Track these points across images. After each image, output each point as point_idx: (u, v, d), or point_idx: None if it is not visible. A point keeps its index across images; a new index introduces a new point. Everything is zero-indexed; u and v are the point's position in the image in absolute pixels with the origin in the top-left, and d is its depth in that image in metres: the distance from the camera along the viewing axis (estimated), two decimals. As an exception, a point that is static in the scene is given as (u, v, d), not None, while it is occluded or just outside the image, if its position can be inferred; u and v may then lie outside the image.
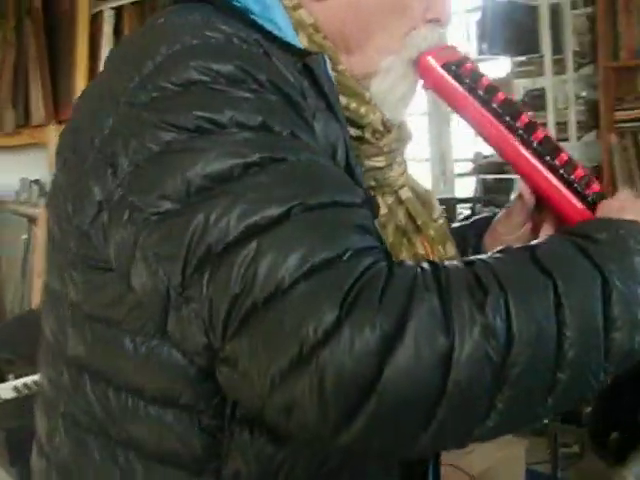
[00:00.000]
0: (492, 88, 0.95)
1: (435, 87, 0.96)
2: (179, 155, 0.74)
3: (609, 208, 0.87)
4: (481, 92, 0.94)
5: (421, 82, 0.97)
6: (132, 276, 0.76)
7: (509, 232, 1.02)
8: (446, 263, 0.73)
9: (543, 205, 0.98)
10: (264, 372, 0.68)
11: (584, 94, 3.86)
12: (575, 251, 0.74)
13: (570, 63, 3.78)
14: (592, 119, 3.65)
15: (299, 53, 0.84)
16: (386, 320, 0.66)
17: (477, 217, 1.17)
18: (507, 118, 0.94)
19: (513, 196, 1.08)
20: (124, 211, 0.75)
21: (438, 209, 1.02)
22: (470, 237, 1.10)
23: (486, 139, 0.96)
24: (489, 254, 0.76)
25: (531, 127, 0.95)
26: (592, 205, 0.93)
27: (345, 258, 0.69)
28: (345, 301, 0.67)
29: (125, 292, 0.79)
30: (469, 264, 0.73)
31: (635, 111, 3.63)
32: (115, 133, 0.78)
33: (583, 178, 0.95)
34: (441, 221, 1.01)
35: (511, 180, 3.79)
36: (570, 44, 3.78)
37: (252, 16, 0.85)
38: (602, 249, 0.74)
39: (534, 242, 0.80)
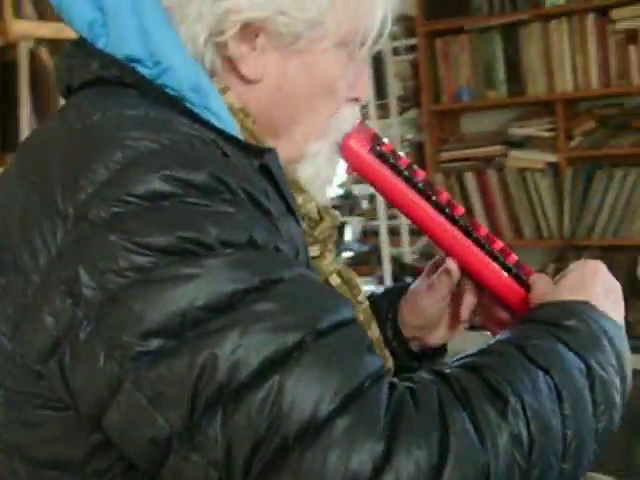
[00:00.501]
0: (411, 167, 0.98)
1: (361, 171, 0.97)
2: (164, 284, 0.67)
3: (549, 287, 0.91)
4: (406, 173, 0.96)
5: (344, 165, 0.98)
6: (106, 418, 0.69)
7: (432, 305, 1.04)
8: (449, 371, 0.74)
9: (464, 276, 1.02)
10: None
11: (410, 137, 4.03)
12: (557, 343, 0.77)
13: (394, 107, 3.94)
14: (419, 160, 3.80)
15: (253, 150, 0.80)
16: (429, 446, 0.66)
17: (389, 287, 1.19)
18: (433, 197, 0.97)
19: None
20: (96, 348, 0.68)
21: (362, 290, 1.01)
22: (384, 310, 1.09)
23: (413, 220, 0.99)
24: (478, 352, 0.77)
25: (452, 204, 0.98)
26: (514, 275, 0.98)
27: (367, 386, 0.68)
28: (385, 432, 0.66)
29: (86, 433, 0.72)
30: (473, 370, 0.73)
31: (458, 152, 3.83)
32: (69, 255, 0.70)
33: (503, 250, 1.00)
34: (366, 303, 1.00)
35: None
36: (394, 89, 3.95)
37: (189, 106, 0.80)
38: (577, 337, 0.78)
39: (508, 332, 0.83)
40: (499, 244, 0.99)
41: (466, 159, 3.79)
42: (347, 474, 0.64)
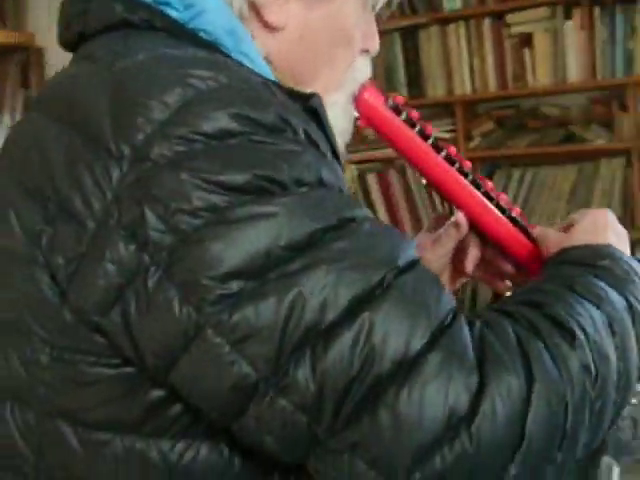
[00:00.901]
0: (421, 120, 0.98)
1: (375, 123, 0.96)
2: (242, 223, 0.64)
3: (562, 236, 0.93)
4: (419, 126, 0.96)
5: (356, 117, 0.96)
6: (177, 370, 0.65)
7: (436, 259, 1.03)
8: (511, 308, 0.74)
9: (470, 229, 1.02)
10: (403, 452, 0.63)
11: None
12: (599, 281, 0.78)
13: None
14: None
15: (299, 95, 0.77)
16: (517, 376, 0.66)
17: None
18: (444, 150, 0.97)
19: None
20: (168, 295, 0.64)
21: None
22: None
23: (425, 172, 0.98)
24: (530, 291, 0.78)
25: (460, 157, 0.98)
26: (521, 227, 0.99)
27: (449, 321, 0.68)
28: (475, 365, 0.65)
29: (144, 390, 0.68)
30: (535, 306, 0.74)
31: (360, 153, 3.85)
32: (130, 197, 0.65)
33: (508, 203, 1.00)
34: None
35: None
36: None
37: (224, 50, 0.77)
38: (614, 275, 0.80)
39: (544, 274, 0.84)
40: (504, 197, 1.00)
41: (368, 160, 3.82)
42: (446, 408, 0.64)
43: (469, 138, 3.65)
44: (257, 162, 0.66)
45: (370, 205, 3.73)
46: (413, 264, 0.69)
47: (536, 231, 0.98)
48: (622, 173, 3.46)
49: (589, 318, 0.73)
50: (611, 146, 3.47)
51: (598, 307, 0.75)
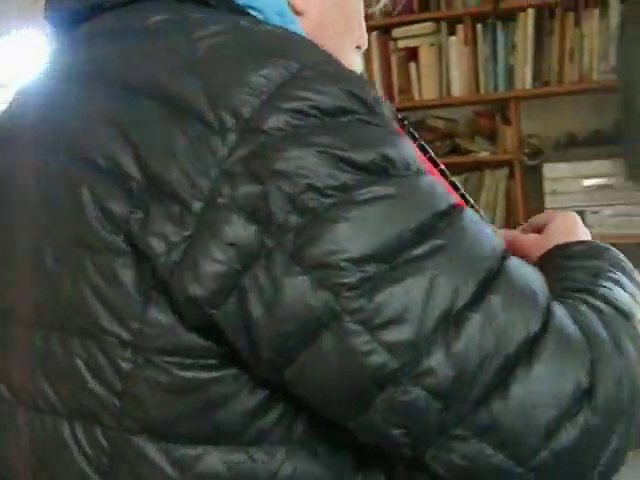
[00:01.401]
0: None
1: None
2: (371, 204, 0.60)
3: (536, 236, 0.91)
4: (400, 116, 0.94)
5: None
6: (300, 363, 0.61)
7: None
8: (573, 294, 0.73)
9: None
10: (531, 431, 0.63)
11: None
12: (614, 270, 0.78)
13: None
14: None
15: None
16: (619, 356, 0.67)
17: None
18: (417, 137, 0.95)
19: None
20: (297, 279, 0.59)
21: None
22: None
23: None
24: (571, 280, 0.77)
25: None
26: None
27: (552, 305, 0.68)
28: (585, 343, 0.66)
29: (245, 393, 0.63)
30: (590, 292, 0.73)
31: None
32: (245, 173, 0.59)
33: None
34: None
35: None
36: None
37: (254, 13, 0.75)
38: (620, 266, 0.79)
39: (565, 266, 0.81)
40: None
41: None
42: (570, 384, 0.64)
43: (358, 151, 3.68)
44: (376, 141, 0.63)
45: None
46: (507, 250, 0.69)
47: (500, 232, 0.98)
48: (505, 184, 3.58)
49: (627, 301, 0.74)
50: (495, 158, 3.59)
51: (624, 290, 0.75)
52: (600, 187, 3.43)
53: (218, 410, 0.63)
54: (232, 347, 0.62)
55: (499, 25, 3.45)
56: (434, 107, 3.70)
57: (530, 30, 3.41)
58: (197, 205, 0.60)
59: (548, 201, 3.50)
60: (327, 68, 0.65)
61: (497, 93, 3.50)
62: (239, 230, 0.59)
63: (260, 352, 0.61)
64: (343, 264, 0.59)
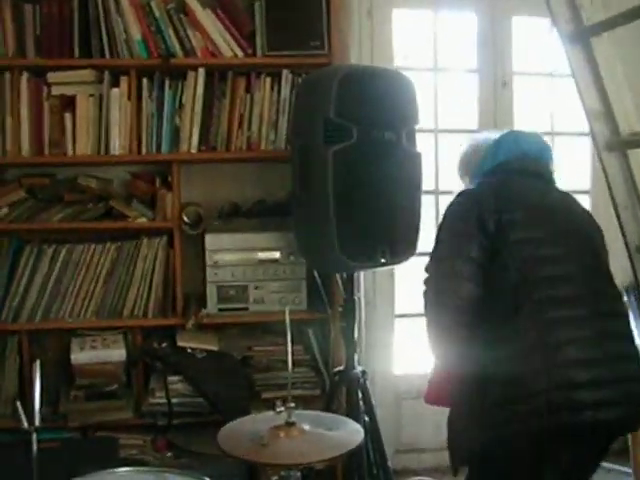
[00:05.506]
0: None
1: None
2: None
3: None
4: None
5: None
6: None
7: None
8: None
9: None
10: None
11: None
12: None
13: None
14: None
15: None
16: None
17: None
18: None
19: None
20: None
21: None
22: None
23: None
24: None
25: None
26: None
27: None
28: None
29: None
30: None
31: None
32: None
33: None
34: None
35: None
36: None
37: None
38: None
39: None
40: None
41: None
42: None
43: (-4, 207, 3.16)
44: None
45: None
46: None
47: None
48: (164, 252, 3.28)
49: None
50: (153, 225, 3.29)
51: None
52: (264, 261, 3.30)
53: None
54: None
55: (167, 82, 3.23)
56: (89, 165, 3.32)
57: (200, 90, 3.22)
58: None
59: (209, 273, 3.27)
60: None
61: (160, 154, 3.24)
62: None
63: None
64: None
